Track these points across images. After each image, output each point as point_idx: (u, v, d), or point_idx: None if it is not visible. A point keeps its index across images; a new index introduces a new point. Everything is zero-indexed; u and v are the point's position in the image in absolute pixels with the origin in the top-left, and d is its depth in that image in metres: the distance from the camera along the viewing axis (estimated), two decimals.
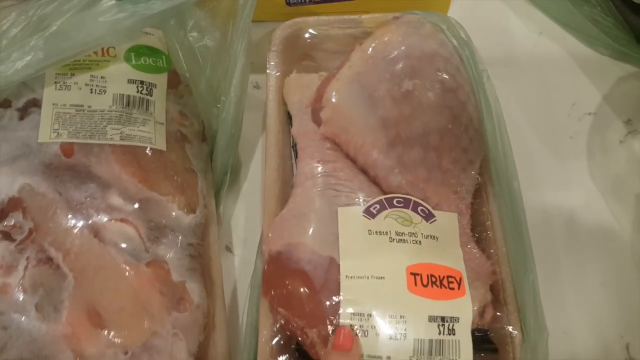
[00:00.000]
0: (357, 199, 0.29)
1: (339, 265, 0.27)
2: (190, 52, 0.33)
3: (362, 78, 0.31)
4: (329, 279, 0.27)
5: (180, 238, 0.30)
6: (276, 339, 0.28)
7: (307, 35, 0.37)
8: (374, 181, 0.30)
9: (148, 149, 0.31)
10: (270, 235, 0.29)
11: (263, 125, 0.37)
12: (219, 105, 0.33)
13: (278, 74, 0.35)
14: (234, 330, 0.32)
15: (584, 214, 0.37)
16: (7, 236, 0.26)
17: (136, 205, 0.29)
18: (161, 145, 0.31)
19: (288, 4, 0.39)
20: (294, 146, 0.34)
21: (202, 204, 0.32)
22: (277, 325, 0.27)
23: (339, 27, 0.37)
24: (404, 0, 0.38)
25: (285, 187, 0.32)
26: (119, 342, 0.26)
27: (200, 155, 0.34)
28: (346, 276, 0.27)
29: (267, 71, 0.35)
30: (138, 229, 0.29)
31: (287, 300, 0.27)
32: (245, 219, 0.35)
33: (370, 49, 0.32)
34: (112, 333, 0.26)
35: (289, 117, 0.35)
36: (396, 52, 0.32)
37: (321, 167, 0.30)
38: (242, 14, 0.33)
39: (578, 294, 0.35)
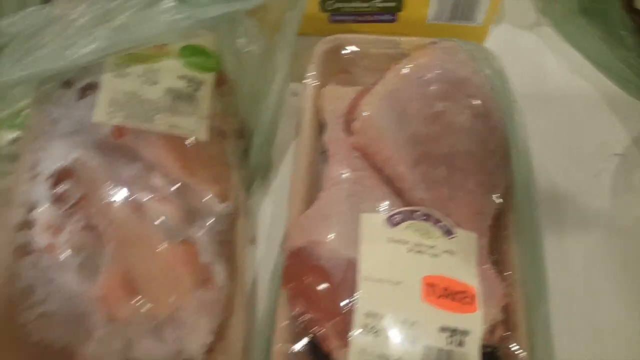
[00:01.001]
0: (380, 208, 0.30)
1: (356, 267, 0.28)
2: (237, 56, 0.36)
3: (395, 95, 0.33)
4: (347, 278, 0.28)
5: (211, 224, 0.32)
6: (292, 328, 0.29)
7: (346, 51, 0.39)
8: (398, 193, 0.32)
9: (191, 139, 0.33)
10: (293, 231, 0.31)
11: (296, 130, 0.39)
12: (258, 108, 0.35)
13: (316, 84, 0.37)
14: (250, 317, 0.33)
15: (604, 253, 0.37)
16: (58, 201, 0.29)
17: (175, 188, 0.31)
18: (203, 137, 0.34)
19: (332, 21, 0.42)
20: (325, 152, 0.36)
21: (234, 196, 0.34)
22: (293, 316, 0.29)
23: (377, 47, 0.39)
24: (443, 27, 0.40)
25: (311, 189, 0.34)
26: (148, 310, 0.28)
27: (235, 151, 0.36)
28: (364, 277, 0.28)
29: (306, 81, 0.38)
30: (175, 210, 0.31)
31: (305, 294, 0.29)
32: (270, 216, 0.37)
33: (406, 69, 0.34)
34: (142, 301, 0.28)
35: (321, 126, 0.37)
36: (431, 74, 0.33)
37: (349, 174, 0.32)
38: (289, 26, 0.36)
39: (591, 331, 0.34)
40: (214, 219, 0.33)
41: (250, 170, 0.36)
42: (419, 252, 0.29)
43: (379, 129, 0.32)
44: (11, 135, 0.34)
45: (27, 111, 0.35)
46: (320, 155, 0.36)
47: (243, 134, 0.38)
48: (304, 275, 0.29)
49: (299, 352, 0.29)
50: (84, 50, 0.32)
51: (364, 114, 0.33)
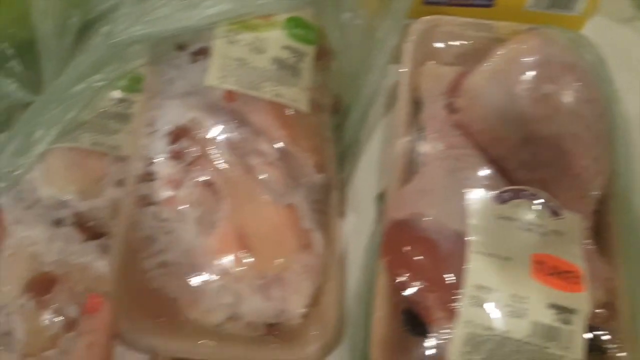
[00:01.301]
0: (485, 184, 0.30)
1: (466, 240, 0.29)
2: (340, 31, 0.36)
3: (501, 76, 0.33)
4: (455, 250, 0.28)
5: (310, 192, 0.33)
6: (390, 299, 0.29)
7: (442, 32, 0.39)
8: (501, 172, 0.32)
9: (294, 109, 0.34)
10: (394, 204, 0.32)
11: (386, 107, 0.40)
12: (359, 83, 0.35)
13: (412, 63, 0.38)
14: (343, 286, 0.33)
15: None
16: (176, 157, 0.30)
17: (279, 155, 0.32)
18: (305, 108, 0.34)
19: (425, 2, 0.42)
20: (420, 130, 0.36)
21: (329, 168, 0.35)
22: (393, 287, 0.29)
23: (473, 30, 0.39)
24: (539, 15, 0.40)
25: (405, 165, 0.35)
26: (259, 267, 0.29)
27: (330, 124, 0.37)
28: (473, 250, 0.28)
29: (402, 59, 0.38)
30: (280, 175, 0.32)
31: (409, 264, 0.29)
32: (360, 190, 0.38)
33: (512, 51, 0.34)
34: (256, 257, 0.29)
35: (416, 104, 0.37)
36: (537, 57, 0.33)
37: (451, 151, 0.32)
38: (397, 4, 0.36)
39: None
40: (312, 188, 0.34)
41: (344, 145, 0.37)
42: (527, 230, 0.29)
43: (485, 108, 0.32)
44: (119, 95, 0.36)
45: (134, 74, 0.36)
46: (414, 133, 0.36)
47: (337, 109, 0.38)
48: (406, 246, 0.29)
49: (396, 322, 0.30)
50: (206, 12, 0.33)
51: (469, 92, 0.33)
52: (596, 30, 0.43)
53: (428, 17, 0.39)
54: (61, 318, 0.30)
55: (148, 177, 0.29)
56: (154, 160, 0.30)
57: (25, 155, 0.32)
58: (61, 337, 0.30)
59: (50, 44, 0.35)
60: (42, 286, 0.31)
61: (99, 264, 0.31)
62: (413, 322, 0.30)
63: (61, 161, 0.33)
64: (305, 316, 0.32)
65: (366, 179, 0.39)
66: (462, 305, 0.27)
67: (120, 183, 0.33)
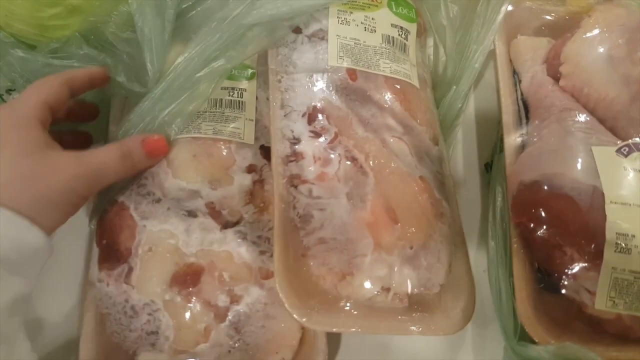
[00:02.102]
0: (606, 140, 0.32)
1: (602, 192, 0.30)
2: (443, 6, 0.37)
3: (599, 41, 0.35)
4: (594, 203, 0.30)
5: (431, 164, 0.34)
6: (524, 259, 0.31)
7: (523, 7, 0.41)
8: (612, 131, 0.34)
9: (409, 84, 0.35)
10: (519, 168, 0.33)
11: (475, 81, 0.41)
12: (463, 58, 0.37)
13: (505, 36, 0.40)
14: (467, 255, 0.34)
15: None
16: (318, 135, 0.30)
17: (404, 129, 0.33)
18: (416, 82, 0.35)
19: None
20: (520, 99, 0.38)
21: (441, 140, 0.36)
22: (525, 248, 0.31)
23: (549, 4, 0.42)
24: None
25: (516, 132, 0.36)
26: (408, 236, 0.29)
27: (433, 99, 0.38)
28: (611, 201, 0.30)
29: (495, 35, 0.39)
30: (409, 148, 0.32)
31: (547, 222, 0.31)
32: (463, 162, 0.39)
33: (602, 19, 0.36)
34: (403, 228, 0.29)
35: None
36: (627, 22, 0.36)
37: (565, 113, 0.34)
38: None
39: None
40: (432, 160, 0.35)
41: (449, 118, 0.38)
42: None
43: (590, 71, 0.34)
44: (229, 84, 0.35)
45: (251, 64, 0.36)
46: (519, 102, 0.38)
47: (435, 85, 0.40)
48: (544, 205, 0.31)
49: (533, 281, 0.32)
50: None
51: (571, 59, 0.35)
52: None
53: None
54: (211, 309, 0.30)
55: (295, 157, 0.30)
56: (299, 140, 0.30)
57: None
58: (212, 329, 0.30)
59: (151, 35, 0.34)
60: (188, 279, 0.30)
61: (241, 249, 0.31)
62: (548, 280, 0.32)
63: (187, 152, 0.32)
64: (442, 285, 0.33)
65: (471, 151, 0.40)
66: (607, 253, 0.29)
67: (249, 169, 0.33)
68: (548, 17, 0.41)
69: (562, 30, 0.39)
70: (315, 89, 0.32)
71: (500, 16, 0.36)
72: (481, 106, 0.41)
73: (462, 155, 0.40)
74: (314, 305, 0.29)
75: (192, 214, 0.32)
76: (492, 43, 0.37)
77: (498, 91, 0.37)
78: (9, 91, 0.38)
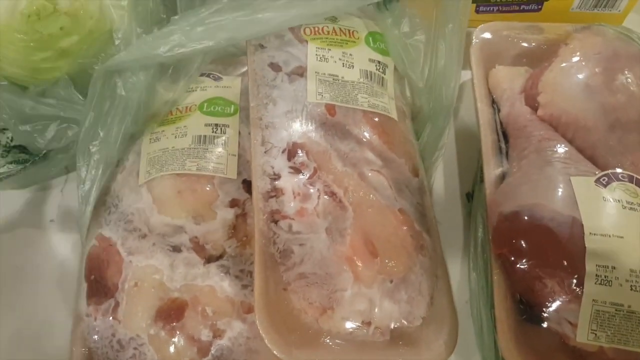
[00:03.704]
0: (585, 170, 0.33)
1: (581, 223, 0.30)
2: (403, 46, 0.38)
3: (576, 70, 0.36)
4: (574, 234, 0.30)
5: (411, 196, 0.34)
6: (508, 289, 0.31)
7: (500, 36, 0.42)
8: (591, 160, 0.34)
9: (387, 117, 0.36)
10: (499, 199, 0.33)
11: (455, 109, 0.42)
12: (434, 94, 0.37)
13: (481, 66, 0.40)
14: (449, 286, 0.34)
15: None
16: (298, 171, 0.31)
17: (383, 162, 0.34)
18: (394, 115, 0.36)
19: (477, 11, 0.45)
20: (499, 128, 0.38)
21: (421, 172, 0.37)
22: (506, 279, 0.31)
23: (526, 32, 0.42)
24: (583, 15, 0.44)
25: (496, 163, 0.36)
26: (387, 270, 0.30)
27: (412, 130, 0.39)
28: (590, 232, 0.30)
29: (472, 64, 0.40)
30: (387, 181, 0.33)
31: (527, 254, 0.31)
32: (444, 192, 0.40)
33: (579, 48, 0.37)
34: (382, 261, 0.30)
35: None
36: (604, 50, 0.36)
37: (544, 143, 0.34)
38: (457, 16, 0.38)
39: None
40: (412, 192, 0.35)
41: (429, 149, 0.38)
42: (631, 209, 0.31)
43: (568, 100, 0.35)
44: (212, 121, 0.36)
45: (225, 100, 0.37)
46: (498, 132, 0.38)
47: (414, 117, 0.40)
48: (523, 236, 0.31)
49: (514, 312, 0.32)
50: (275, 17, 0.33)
51: (548, 88, 0.35)
52: (632, 25, 0.48)
53: (489, 23, 0.42)
54: (195, 344, 0.31)
55: (275, 193, 0.30)
56: (279, 176, 0.31)
57: None
58: None
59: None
60: (172, 313, 0.31)
61: (224, 284, 0.32)
62: (530, 312, 0.32)
63: (171, 188, 0.33)
64: (423, 317, 0.33)
65: (452, 181, 0.41)
66: (587, 284, 0.29)
67: (232, 204, 0.34)
68: (526, 45, 0.42)
69: (540, 58, 0.40)
70: (295, 125, 0.32)
71: (458, 51, 0.36)
72: (462, 134, 0.42)
73: (444, 185, 0.40)
74: (294, 340, 0.29)
75: (176, 249, 0.32)
76: (459, 78, 0.37)
77: (478, 120, 0.38)
78: (3, 130, 0.39)
